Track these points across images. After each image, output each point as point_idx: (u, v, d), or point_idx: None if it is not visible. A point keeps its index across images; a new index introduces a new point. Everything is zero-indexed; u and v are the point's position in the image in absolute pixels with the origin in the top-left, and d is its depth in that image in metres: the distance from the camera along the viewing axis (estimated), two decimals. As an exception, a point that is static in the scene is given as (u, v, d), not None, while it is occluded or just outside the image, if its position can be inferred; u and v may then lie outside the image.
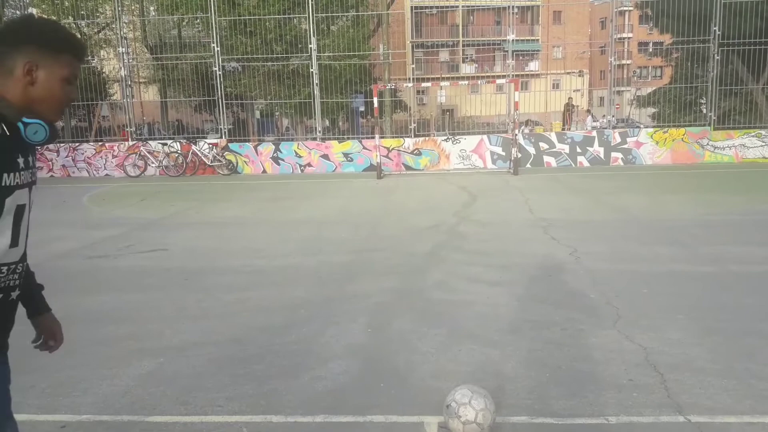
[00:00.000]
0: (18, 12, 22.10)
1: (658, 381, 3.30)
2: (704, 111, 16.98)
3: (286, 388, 3.37)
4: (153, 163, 16.86)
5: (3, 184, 1.52)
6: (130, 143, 17.15)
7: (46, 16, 22.70)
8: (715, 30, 15.83)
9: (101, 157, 17.25)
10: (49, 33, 1.58)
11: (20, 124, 1.59)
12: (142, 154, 16.85)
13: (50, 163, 17.32)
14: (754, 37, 15.93)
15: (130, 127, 17.45)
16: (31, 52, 1.54)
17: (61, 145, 17.63)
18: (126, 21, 19.73)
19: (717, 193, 10.61)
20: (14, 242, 1.61)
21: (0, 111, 1.54)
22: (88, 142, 18.27)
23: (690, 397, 3.12)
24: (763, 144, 15.78)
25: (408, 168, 16.48)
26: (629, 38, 45.41)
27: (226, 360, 3.80)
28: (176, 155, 16.80)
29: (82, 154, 17.29)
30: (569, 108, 22.83)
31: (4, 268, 1.59)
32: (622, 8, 33.10)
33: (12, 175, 1.55)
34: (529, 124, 22.64)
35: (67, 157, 17.31)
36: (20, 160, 1.58)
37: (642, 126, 19.02)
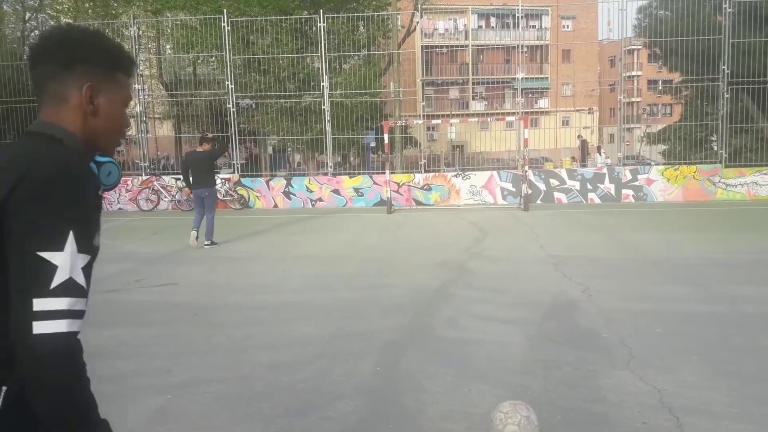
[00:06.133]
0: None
1: (674, 425, 3.22)
2: (715, 148, 16.97)
3: (294, 428, 3.32)
4: (166, 197, 17.02)
5: (96, 245, 1.22)
6: (144, 177, 17.34)
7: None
8: (723, 69, 15.93)
9: (115, 191, 17.41)
10: (102, 47, 1.30)
11: (93, 165, 1.34)
12: (155, 188, 17.02)
13: (64, 197, 17.50)
14: (763, 75, 16.01)
15: (144, 162, 17.67)
16: (87, 73, 1.27)
17: (76, 179, 17.86)
18: (143, 59, 20.21)
19: (730, 232, 10.51)
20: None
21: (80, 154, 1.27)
22: (102, 176, 18.48)
23: (707, 442, 3.04)
24: (776, 182, 15.69)
25: (418, 203, 16.51)
26: (638, 76, 45.80)
27: (234, 398, 3.76)
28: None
29: (96, 188, 17.46)
30: (584, 144, 22.90)
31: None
32: (630, 47, 33.43)
33: (99, 233, 1.24)
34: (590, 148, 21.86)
35: (81, 191, 17.48)
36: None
37: (653, 163, 19.01)
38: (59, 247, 1.09)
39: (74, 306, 1.11)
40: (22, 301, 1.08)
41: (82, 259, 1.13)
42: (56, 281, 1.09)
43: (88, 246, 1.15)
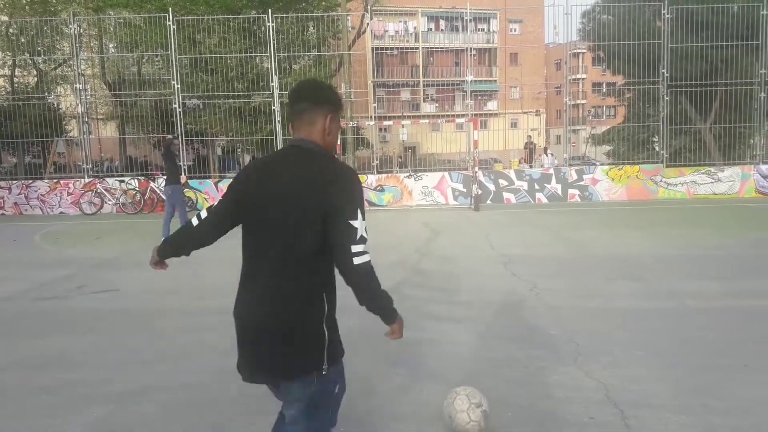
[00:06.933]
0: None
1: (619, 418, 3.29)
2: (657, 149, 17.58)
3: (242, 435, 3.24)
4: (110, 200, 16.49)
5: None
6: (87, 180, 16.76)
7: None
8: (663, 72, 16.51)
9: (56, 194, 16.79)
10: (335, 95, 2.17)
11: None
12: (98, 191, 16.48)
13: (1, 200, 16.78)
14: (700, 79, 16.69)
15: (87, 164, 17.07)
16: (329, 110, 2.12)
17: (13, 182, 17.13)
18: (84, 58, 19.55)
19: (672, 229, 10.89)
20: None
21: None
22: (42, 179, 17.79)
23: (651, 435, 3.11)
24: (713, 181, 16.37)
25: (371, 204, 16.50)
26: (583, 79, 47.10)
27: (180, 406, 3.65)
28: (134, 192, 16.48)
29: (36, 191, 16.80)
30: (530, 145, 23.40)
31: None
32: (576, 50, 34.34)
33: None
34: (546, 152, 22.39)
35: (19, 194, 16.78)
36: None
37: (598, 163, 19.56)
38: (356, 217, 1.98)
39: (367, 248, 2.00)
40: (344, 247, 1.96)
41: (365, 223, 2.01)
42: (358, 235, 1.97)
43: (364, 216, 2.03)
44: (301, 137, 2.10)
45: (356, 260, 1.97)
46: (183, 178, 16.44)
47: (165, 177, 10.86)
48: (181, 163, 16.86)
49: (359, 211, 1.99)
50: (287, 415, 2.18)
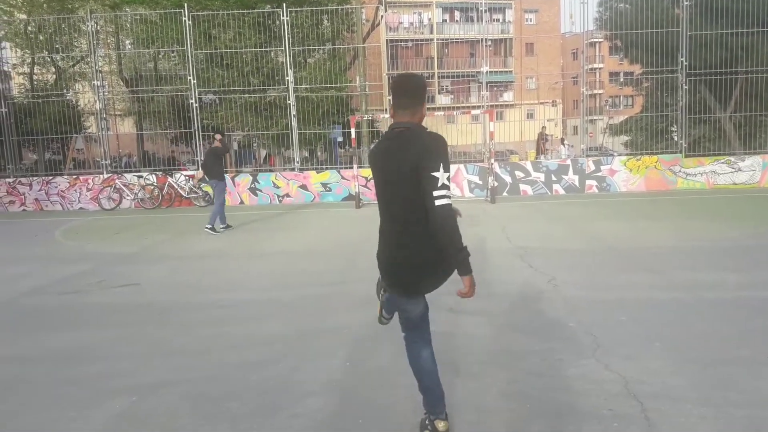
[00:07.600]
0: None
1: (638, 411, 3.28)
2: (675, 139, 17.36)
3: (262, 427, 3.28)
4: (128, 195, 16.68)
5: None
6: (105, 176, 16.95)
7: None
8: (682, 61, 16.28)
9: (75, 190, 17.01)
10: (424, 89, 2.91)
11: None
12: (117, 186, 16.67)
13: (23, 196, 17.03)
14: (720, 67, 16.42)
15: (106, 160, 17.26)
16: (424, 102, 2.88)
17: (34, 178, 17.37)
18: (101, 54, 19.72)
19: (691, 220, 10.77)
20: None
21: None
22: (62, 175, 18.02)
23: (671, 428, 3.10)
24: (733, 170, 16.13)
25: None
26: (600, 68, 46.54)
27: (201, 398, 3.70)
28: (152, 187, 16.65)
29: (56, 187, 17.04)
30: (543, 137, 23.20)
31: None
32: (592, 40, 33.95)
33: None
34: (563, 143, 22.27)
35: (40, 190, 17.03)
36: None
37: (615, 154, 19.35)
38: (437, 169, 2.61)
39: (447, 193, 2.62)
40: (429, 193, 2.61)
41: (446, 175, 2.63)
42: (439, 183, 2.60)
43: (447, 168, 2.65)
44: (402, 120, 2.84)
45: (437, 201, 2.60)
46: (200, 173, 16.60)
47: (209, 172, 11.42)
48: (199, 158, 17.01)
49: (440, 165, 2.61)
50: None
